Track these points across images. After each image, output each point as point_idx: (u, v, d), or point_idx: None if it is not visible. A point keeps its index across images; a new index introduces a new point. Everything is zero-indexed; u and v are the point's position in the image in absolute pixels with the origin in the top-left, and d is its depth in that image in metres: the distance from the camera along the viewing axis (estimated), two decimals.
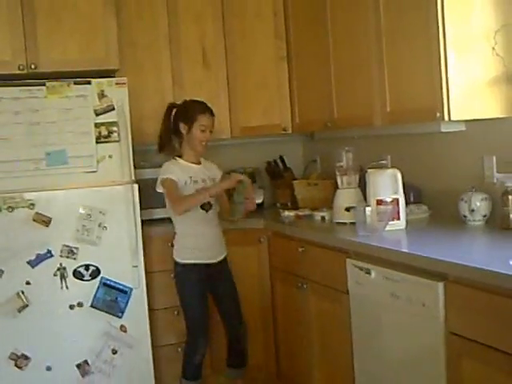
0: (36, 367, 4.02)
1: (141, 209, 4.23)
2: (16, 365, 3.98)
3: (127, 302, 4.17)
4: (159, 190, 3.91)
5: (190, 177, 3.92)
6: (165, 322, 4.40)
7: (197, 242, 3.96)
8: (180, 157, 3.96)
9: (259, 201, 4.26)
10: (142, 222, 4.25)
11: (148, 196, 4.40)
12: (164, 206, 4.04)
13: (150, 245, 4.33)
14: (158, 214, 4.50)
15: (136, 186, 4.17)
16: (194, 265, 3.94)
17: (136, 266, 4.17)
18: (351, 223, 3.67)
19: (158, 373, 4.33)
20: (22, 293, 3.99)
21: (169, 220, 4.14)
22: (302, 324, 3.98)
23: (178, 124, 3.94)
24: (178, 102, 4.07)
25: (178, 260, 3.97)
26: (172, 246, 4.34)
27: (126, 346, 4.17)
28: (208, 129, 3.95)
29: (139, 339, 4.20)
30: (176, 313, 4.37)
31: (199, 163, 4.02)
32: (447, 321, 2.69)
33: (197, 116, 3.92)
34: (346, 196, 3.87)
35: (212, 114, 3.99)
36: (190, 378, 4.04)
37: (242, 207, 3.98)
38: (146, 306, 4.23)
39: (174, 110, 4.01)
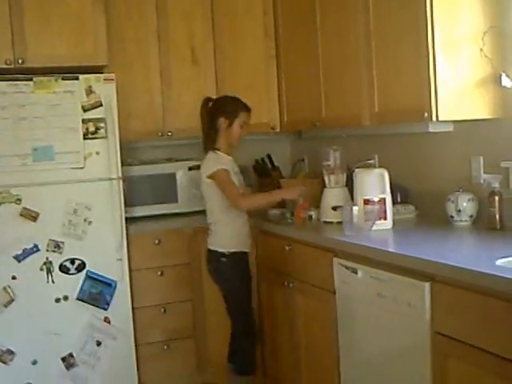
0: (21, 361, 4.02)
1: (125, 206, 4.24)
2: (1, 360, 3.98)
3: (112, 295, 4.19)
4: (207, 180, 3.87)
5: (232, 168, 3.93)
6: (150, 320, 4.38)
7: (243, 228, 3.96)
8: (218, 150, 3.93)
9: None
10: (126, 219, 4.25)
11: (133, 193, 4.42)
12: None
13: (134, 242, 4.32)
14: (142, 211, 4.52)
15: (121, 182, 4.18)
16: (242, 253, 3.94)
17: (120, 260, 4.20)
18: (338, 222, 3.67)
19: (142, 370, 4.34)
20: (9, 287, 3.98)
21: (154, 217, 4.15)
22: (288, 322, 3.98)
23: (216, 118, 3.92)
24: (214, 97, 4.06)
25: (222, 250, 3.91)
26: (159, 243, 4.35)
27: (110, 337, 4.19)
28: (246, 125, 3.98)
29: (123, 330, 4.22)
30: (163, 310, 4.38)
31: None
32: (433, 321, 2.70)
33: (239, 112, 3.93)
34: (333, 195, 3.87)
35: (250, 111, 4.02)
36: (252, 373, 4.02)
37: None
38: (130, 298, 4.25)
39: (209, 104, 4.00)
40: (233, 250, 3.90)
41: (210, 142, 3.94)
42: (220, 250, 3.91)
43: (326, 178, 3.93)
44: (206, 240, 4.36)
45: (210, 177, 3.84)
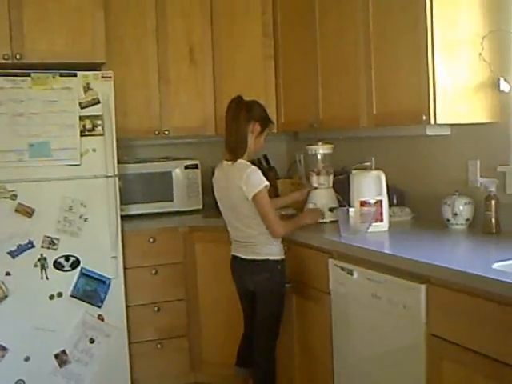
0: (14, 358, 4.00)
1: (121, 204, 4.25)
2: None
3: (106, 292, 4.19)
4: (250, 196, 3.47)
5: None
6: (143, 318, 4.38)
7: None
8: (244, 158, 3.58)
9: None
10: (121, 217, 4.25)
11: (129, 191, 4.42)
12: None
13: (129, 240, 4.31)
14: (138, 209, 4.54)
15: (117, 180, 4.18)
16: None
17: (115, 257, 4.20)
18: (331, 221, 3.74)
19: (135, 368, 4.34)
20: (2, 283, 3.97)
21: (149, 216, 4.15)
22: (283, 323, 3.97)
23: (250, 122, 3.58)
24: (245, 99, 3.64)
25: (276, 257, 3.59)
26: (154, 241, 4.34)
27: (104, 334, 4.19)
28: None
29: (116, 328, 4.22)
30: (156, 309, 4.38)
31: None
32: (428, 323, 2.70)
33: (268, 122, 3.69)
34: (318, 196, 3.91)
35: None
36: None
37: None
38: (124, 296, 4.25)
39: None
40: (282, 257, 3.63)
41: (242, 147, 3.56)
42: (272, 258, 3.58)
43: (313, 179, 3.95)
44: (201, 239, 4.38)
45: (255, 196, 3.47)
